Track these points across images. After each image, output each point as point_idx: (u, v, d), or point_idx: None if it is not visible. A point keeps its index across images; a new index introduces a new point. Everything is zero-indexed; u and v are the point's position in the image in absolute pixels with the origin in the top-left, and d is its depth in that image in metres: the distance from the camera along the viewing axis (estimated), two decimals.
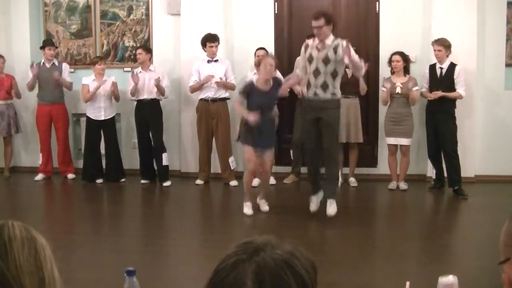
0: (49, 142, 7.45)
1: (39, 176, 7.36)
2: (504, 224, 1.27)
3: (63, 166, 7.45)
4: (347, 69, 6.62)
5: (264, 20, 7.21)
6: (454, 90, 6.29)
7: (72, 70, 7.67)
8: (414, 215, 5.89)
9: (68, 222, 5.69)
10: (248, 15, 7.23)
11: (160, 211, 6.25)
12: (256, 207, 5.66)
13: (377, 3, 7.10)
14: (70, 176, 7.41)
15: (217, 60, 6.87)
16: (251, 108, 5.39)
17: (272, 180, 6.71)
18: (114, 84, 7.11)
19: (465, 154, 6.55)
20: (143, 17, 7.64)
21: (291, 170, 7.09)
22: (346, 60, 5.01)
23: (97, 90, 7.02)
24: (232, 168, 6.93)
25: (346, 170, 6.94)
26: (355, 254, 4.49)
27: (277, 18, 7.29)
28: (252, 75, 6.26)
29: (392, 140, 6.61)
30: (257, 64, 5.60)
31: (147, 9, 7.59)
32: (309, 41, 5.35)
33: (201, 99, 6.90)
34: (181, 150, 7.44)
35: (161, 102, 7.08)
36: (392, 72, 6.58)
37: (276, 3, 7.31)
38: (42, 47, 7.29)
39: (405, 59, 6.51)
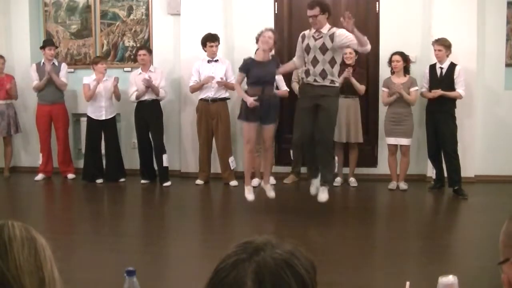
0: (49, 142, 7.45)
1: (39, 176, 7.36)
2: (504, 224, 1.27)
3: (63, 166, 7.45)
4: (347, 69, 6.65)
5: (264, 20, 7.20)
6: (454, 90, 6.29)
7: (72, 70, 7.68)
8: (414, 215, 5.89)
9: (68, 222, 5.68)
10: (248, 15, 7.22)
11: (160, 211, 6.25)
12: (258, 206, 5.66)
13: (377, 3, 7.10)
14: (70, 176, 7.41)
15: (217, 60, 6.87)
16: (252, 82, 5.47)
17: (272, 180, 6.71)
18: (116, 80, 7.09)
19: (465, 154, 6.55)
20: (143, 17, 7.64)
21: (291, 170, 7.09)
22: (350, 39, 5.04)
23: (96, 88, 7.01)
24: (232, 168, 6.93)
25: (346, 170, 6.94)
26: (355, 254, 4.48)
27: (277, 18, 7.29)
28: None
29: (392, 140, 6.62)
30: (257, 40, 5.59)
31: (147, 9, 7.59)
32: (306, 31, 5.38)
33: (201, 99, 6.90)
34: (181, 150, 7.44)
35: (161, 103, 7.08)
36: (392, 72, 6.58)
37: (276, 3, 7.31)
38: (42, 47, 7.29)
39: (405, 59, 6.51)
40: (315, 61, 5.21)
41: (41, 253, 1.12)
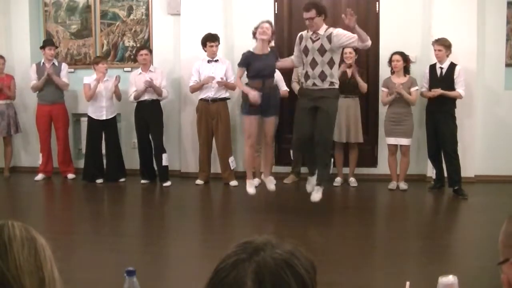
0: (49, 142, 7.45)
1: (39, 176, 7.36)
2: (503, 225, 1.27)
3: (63, 166, 7.45)
4: (348, 69, 6.65)
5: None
6: (454, 90, 6.29)
7: (72, 70, 7.68)
8: (414, 215, 5.89)
9: (68, 222, 5.69)
10: (248, 15, 7.21)
11: (160, 211, 6.25)
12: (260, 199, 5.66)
13: (377, 3, 7.10)
14: (70, 176, 7.41)
15: (217, 60, 6.87)
16: (252, 76, 5.47)
17: (272, 180, 6.70)
18: (118, 79, 7.08)
19: (465, 154, 6.55)
20: (143, 17, 7.64)
21: (291, 170, 7.09)
22: (351, 31, 5.07)
23: (97, 87, 7.00)
24: (232, 168, 6.93)
25: (346, 170, 6.94)
26: (355, 254, 4.48)
27: (277, 18, 7.29)
28: None
29: (392, 140, 6.61)
30: (254, 33, 5.57)
31: (147, 9, 7.59)
32: (303, 33, 5.39)
33: (201, 99, 6.90)
34: (181, 150, 7.44)
35: (161, 103, 7.08)
36: (392, 72, 6.58)
37: (276, 3, 7.31)
38: (42, 47, 7.29)
39: (405, 59, 6.51)
40: (314, 63, 5.23)
41: (41, 253, 1.12)
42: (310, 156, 5.52)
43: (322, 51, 5.19)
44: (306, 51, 5.29)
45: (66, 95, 7.49)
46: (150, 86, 6.85)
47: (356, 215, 5.79)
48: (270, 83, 5.53)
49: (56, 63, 7.38)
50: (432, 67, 6.43)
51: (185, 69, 7.15)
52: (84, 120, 7.45)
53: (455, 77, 6.29)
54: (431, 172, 6.71)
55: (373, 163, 7.22)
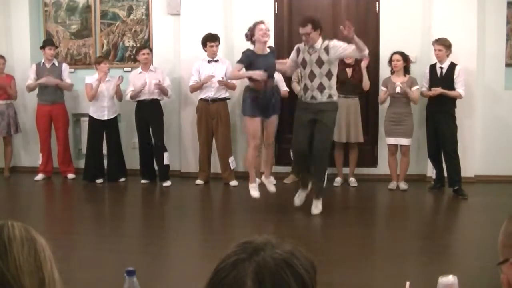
0: (49, 142, 7.45)
1: (39, 176, 7.36)
2: (503, 225, 1.27)
3: (63, 166, 7.45)
4: (347, 69, 6.66)
5: (264, 20, 7.19)
6: (454, 89, 6.29)
7: (72, 70, 7.67)
8: (414, 215, 5.89)
9: (68, 222, 5.69)
10: (248, 15, 7.20)
11: (160, 211, 6.25)
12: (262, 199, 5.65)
13: (377, 3, 7.10)
14: (70, 176, 7.40)
15: (218, 60, 6.86)
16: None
17: (272, 180, 6.70)
18: (121, 79, 7.07)
19: (465, 154, 6.55)
20: (143, 17, 7.64)
21: (291, 170, 7.08)
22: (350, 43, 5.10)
23: (98, 87, 7.00)
24: (232, 168, 6.93)
25: (346, 170, 6.94)
26: (355, 254, 4.48)
27: (277, 18, 7.29)
28: None
29: (392, 140, 6.61)
30: (250, 35, 5.54)
31: (147, 9, 7.59)
32: (300, 45, 5.45)
33: (201, 99, 6.90)
34: (181, 150, 7.44)
35: (161, 102, 7.08)
36: (392, 72, 6.58)
37: (276, 3, 7.31)
38: (42, 47, 7.29)
39: (405, 59, 6.51)
40: (312, 75, 5.30)
41: (41, 253, 1.12)
42: (304, 170, 5.57)
43: (320, 63, 5.27)
44: (304, 63, 5.35)
45: (66, 95, 7.49)
46: (159, 88, 6.85)
47: (356, 215, 5.79)
48: (271, 83, 5.54)
49: (56, 63, 7.38)
50: (432, 67, 6.44)
51: (185, 69, 7.15)
52: (84, 120, 7.45)
53: (455, 77, 6.29)
54: (431, 172, 6.71)
55: (373, 163, 7.22)
